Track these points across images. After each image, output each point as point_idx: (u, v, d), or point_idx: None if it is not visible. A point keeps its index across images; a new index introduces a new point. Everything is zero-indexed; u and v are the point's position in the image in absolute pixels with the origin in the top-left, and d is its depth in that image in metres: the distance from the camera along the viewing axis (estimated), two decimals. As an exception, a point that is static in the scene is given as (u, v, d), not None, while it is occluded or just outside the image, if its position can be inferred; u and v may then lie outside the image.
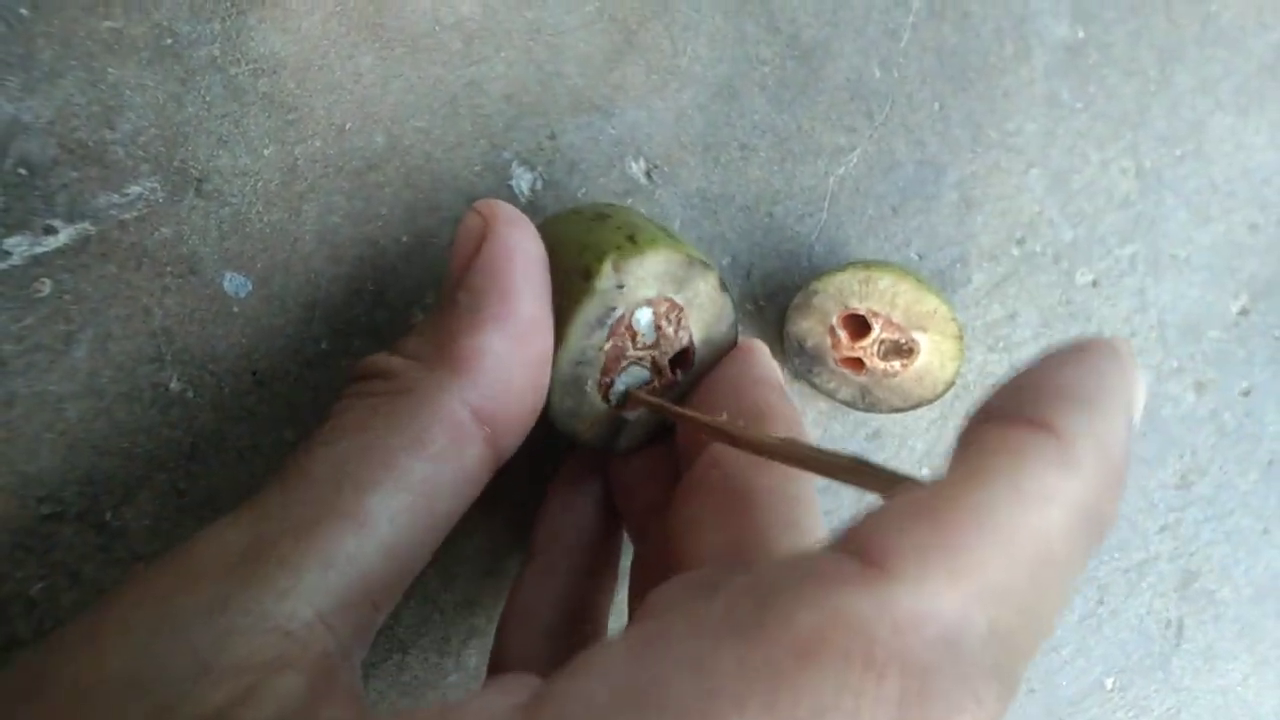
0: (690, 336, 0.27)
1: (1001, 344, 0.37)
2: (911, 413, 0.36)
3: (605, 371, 0.26)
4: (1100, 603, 0.40)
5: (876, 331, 0.33)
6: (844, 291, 0.32)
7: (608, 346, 0.26)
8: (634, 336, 0.26)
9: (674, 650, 0.14)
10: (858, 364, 0.33)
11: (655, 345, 0.27)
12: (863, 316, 0.33)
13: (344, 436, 0.21)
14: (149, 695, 0.16)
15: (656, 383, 0.27)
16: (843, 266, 0.32)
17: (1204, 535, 0.41)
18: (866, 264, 0.32)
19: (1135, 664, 0.41)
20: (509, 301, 0.23)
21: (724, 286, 0.27)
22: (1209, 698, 0.42)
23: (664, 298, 0.26)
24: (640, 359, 0.27)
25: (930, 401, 0.33)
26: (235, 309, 0.28)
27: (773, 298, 0.34)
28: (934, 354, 0.33)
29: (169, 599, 0.18)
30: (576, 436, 0.27)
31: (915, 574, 0.14)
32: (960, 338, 0.32)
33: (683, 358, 0.28)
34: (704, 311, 0.27)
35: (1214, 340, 0.41)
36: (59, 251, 0.26)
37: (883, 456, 0.36)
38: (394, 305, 0.29)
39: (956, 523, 0.14)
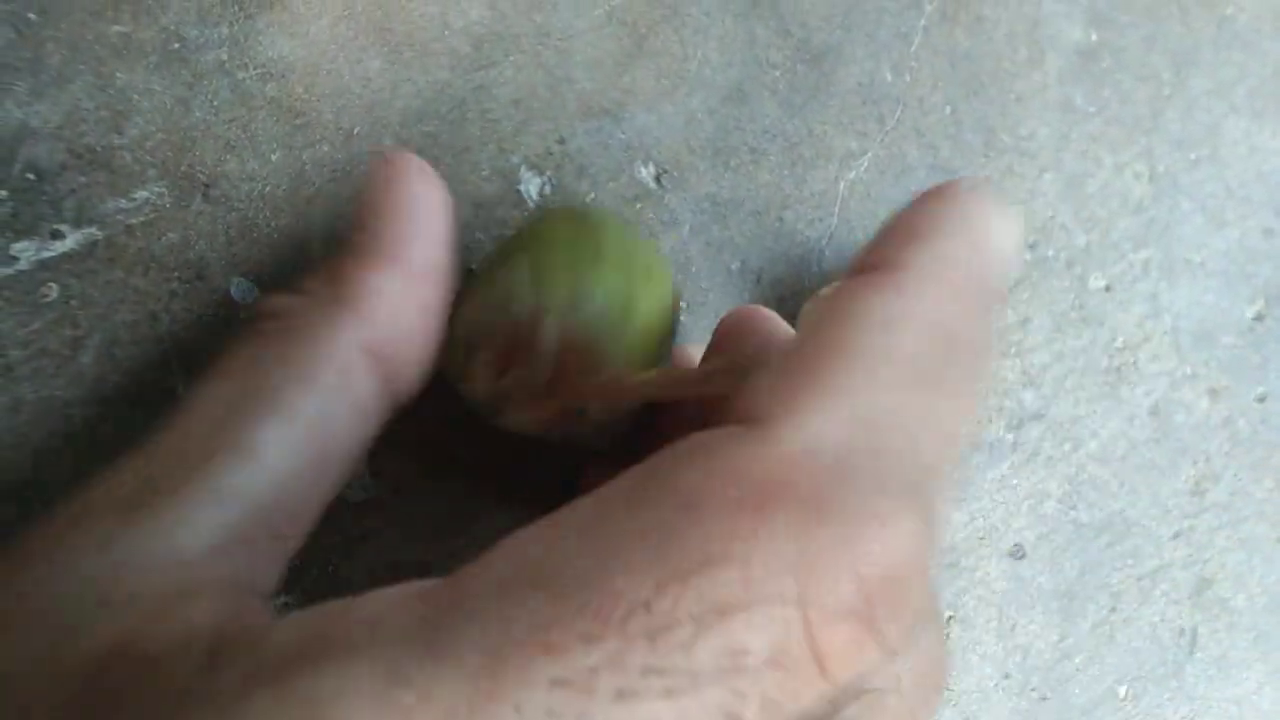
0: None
1: (1013, 349, 0.37)
2: (922, 419, 0.36)
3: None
4: (1113, 610, 0.40)
5: (887, 337, 0.32)
6: (855, 297, 0.32)
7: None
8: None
9: (571, 524, 0.14)
10: (868, 370, 0.33)
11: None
12: (874, 322, 0.32)
13: (232, 375, 0.21)
14: (47, 628, 0.16)
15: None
16: (853, 272, 0.32)
17: (1218, 542, 0.41)
18: (877, 269, 0.32)
19: (1148, 672, 0.40)
20: (403, 244, 0.23)
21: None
22: (1223, 706, 0.42)
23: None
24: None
25: (942, 408, 0.33)
26: (243, 315, 0.28)
27: (783, 303, 0.34)
28: (945, 360, 0.32)
29: (60, 538, 0.18)
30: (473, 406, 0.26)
31: (786, 416, 0.14)
32: (972, 344, 0.32)
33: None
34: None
35: (1228, 346, 0.40)
36: (66, 256, 0.26)
37: (893, 463, 0.36)
38: (402, 311, 0.29)
39: (815, 363, 0.15)
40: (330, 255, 0.28)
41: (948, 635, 0.37)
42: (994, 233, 0.17)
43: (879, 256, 0.17)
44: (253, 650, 0.14)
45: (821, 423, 0.14)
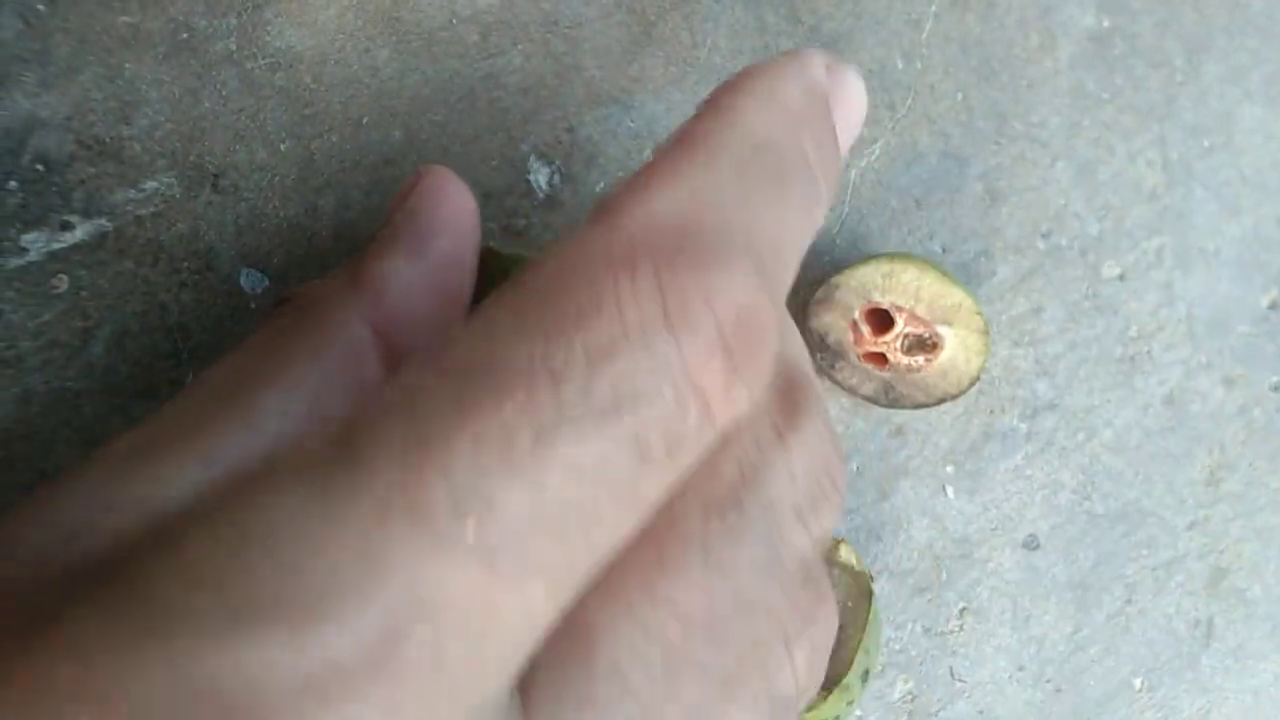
0: None
1: (1027, 338, 0.37)
2: (936, 409, 0.36)
3: None
4: (1128, 601, 0.39)
5: (900, 326, 0.32)
6: (866, 285, 0.32)
7: None
8: None
9: (453, 340, 0.15)
10: (881, 359, 0.33)
11: None
12: (886, 311, 0.32)
13: (245, 352, 0.22)
14: (51, 533, 0.18)
15: None
16: (865, 260, 0.32)
17: (1233, 532, 0.41)
18: (890, 257, 0.32)
19: (1164, 663, 0.40)
20: (424, 235, 0.23)
21: None
22: (1239, 698, 0.42)
23: None
24: None
25: (955, 397, 0.33)
26: (252, 305, 0.27)
27: (794, 292, 0.34)
28: (959, 348, 0.32)
29: (51, 494, 0.19)
30: None
31: (633, 199, 0.16)
32: (985, 332, 0.32)
33: None
34: None
35: (1243, 335, 0.40)
36: (76, 247, 0.26)
37: (906, 454, 0.35)
38: (412, 301, 0.29)
39: (651, 166, 0.17)
40: (340, 244, 0.28)
41: (960, 627, 0.36)
42: (814, 72, 0.20)
43: (711, 101, 0.19)
44: (184, 510, 0.15)
45: (665, 198, 0.16)
